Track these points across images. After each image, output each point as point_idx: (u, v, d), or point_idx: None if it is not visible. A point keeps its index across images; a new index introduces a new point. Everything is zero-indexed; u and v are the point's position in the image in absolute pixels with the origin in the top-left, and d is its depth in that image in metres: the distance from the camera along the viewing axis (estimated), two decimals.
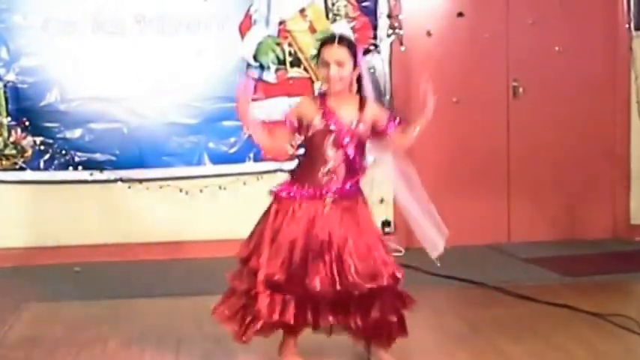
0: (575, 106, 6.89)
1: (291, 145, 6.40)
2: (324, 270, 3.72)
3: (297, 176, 3.91)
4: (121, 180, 6.38)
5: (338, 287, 3.70)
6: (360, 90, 3.89)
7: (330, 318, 3.79)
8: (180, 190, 6.44)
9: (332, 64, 3.78)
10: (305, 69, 6.50)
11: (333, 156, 3.82)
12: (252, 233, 3.91)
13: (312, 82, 6.49)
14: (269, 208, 3.90)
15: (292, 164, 6.29)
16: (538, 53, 6.80)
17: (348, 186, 3.85)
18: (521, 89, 6.82)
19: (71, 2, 6.26)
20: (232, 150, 6.47)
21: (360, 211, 3.87)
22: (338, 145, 3.81)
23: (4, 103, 6.20)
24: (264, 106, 6.43)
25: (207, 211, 6.49)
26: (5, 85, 6.21)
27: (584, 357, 4.14)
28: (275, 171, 6.43)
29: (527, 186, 6.91)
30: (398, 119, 3.90)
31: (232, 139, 6.46)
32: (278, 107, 6.48)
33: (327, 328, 3.90)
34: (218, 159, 6.47)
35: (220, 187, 6.48)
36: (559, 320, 4.75)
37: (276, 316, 3.78)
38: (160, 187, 6.43)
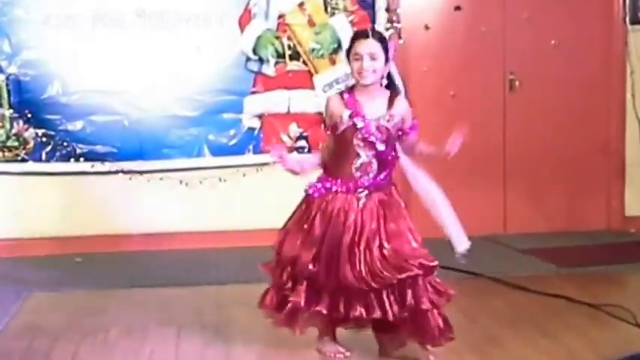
0: (571, 99, 6.92)
1: (289, 138, 6.49)
2: (355, 262, 3.75)
3: (329, 171, 3.92)
4: (122, 172, 6.41)
5: (368, 279, 3.74)
6: (390, 85, 3.89)
7: (359, 310, 3.80)
8: (181, 182, 6.46)
9: (365, 56, 3.78)
10: (304, 62, 6.53)
11: (363, 151, 3.84)
12: (287, 225, 3.97)
13: (311, 75, 6.53)
14: (303, 202, 3.94)
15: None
16: (534, 47, 6.83)
17: (380, 177, 3.88)
18: (517, 82, 6.86)
19: None
20: (232, 142, 6.50)
21: (393, 203, 3.90)
22: (367, 140, 3.82)
23: (6, 95, 6.22)
24: (263, 98, 6.52)
25: (207, 203, 6.52)
26: (7, 78, 6.23)
27: (579, 346, 4.19)
28: (274, 163, 6.47)
29: (523, 178, 6.94)
30: (417, 125, 3.94)
31: (232, 132, 6.49)
32: (276, 100, 6.55)
33: (357, 322, 3.93)
34: (218, 151, 6.49)
35: (220, 179, 6.50)
36: (554, 310, 4.80)
37: (312, 307, 3.83)
38: (161, 179, 6.45)
